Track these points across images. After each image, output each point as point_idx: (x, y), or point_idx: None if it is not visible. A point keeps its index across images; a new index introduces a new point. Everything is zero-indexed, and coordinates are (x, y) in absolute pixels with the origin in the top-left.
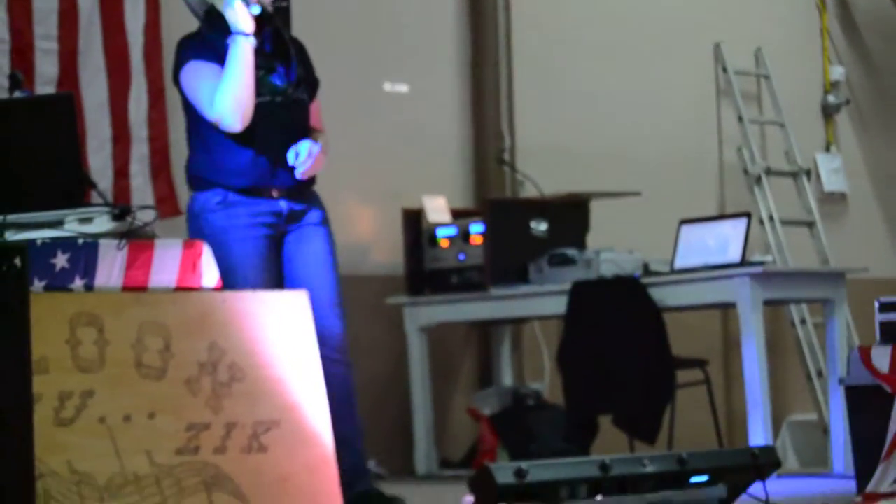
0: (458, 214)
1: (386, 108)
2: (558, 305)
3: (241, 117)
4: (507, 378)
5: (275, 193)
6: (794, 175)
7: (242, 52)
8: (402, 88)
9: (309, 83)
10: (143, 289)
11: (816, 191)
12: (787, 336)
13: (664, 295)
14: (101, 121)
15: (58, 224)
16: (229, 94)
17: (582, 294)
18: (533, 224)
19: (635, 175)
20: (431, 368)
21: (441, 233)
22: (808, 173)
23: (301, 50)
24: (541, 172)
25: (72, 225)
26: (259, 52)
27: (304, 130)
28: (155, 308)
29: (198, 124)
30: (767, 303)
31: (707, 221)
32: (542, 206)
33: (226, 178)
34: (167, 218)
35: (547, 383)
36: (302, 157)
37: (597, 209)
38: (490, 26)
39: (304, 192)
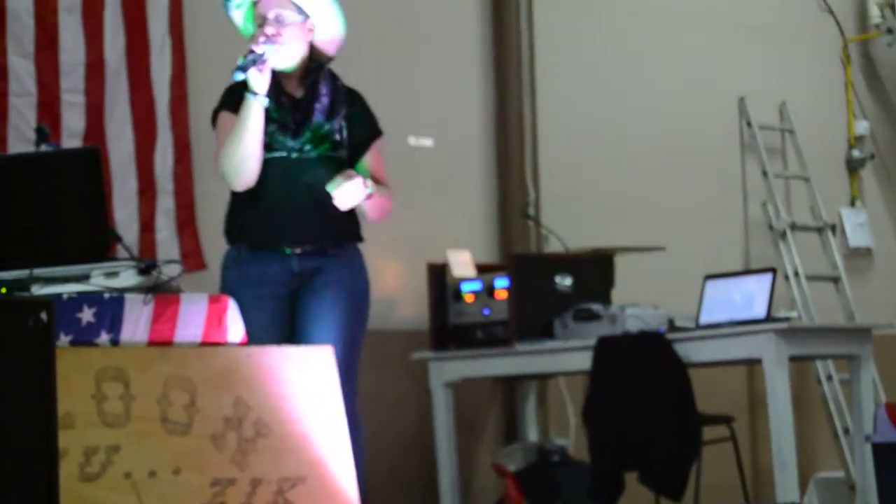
0: (483, 269)
1: (411, 162)
2: (583, 361)
3: (240, 178)
4: (532, 434)
5: (287, 251)
6: (819, 230)
7: (250, 111)
8: (427, 142)
9: (355, 141)
10: (168, 343)
11: (842, 246)
12: (813, 392)
13: (689, 351)
14: (127, 174)
15: (84, 278)
16: (230, 153)
17: (607, 350)
18: (558, 279)
19: (660, 230)
20: (456, 424)
21: (466, 287)
22: (833, 228)
23: (353, 104)
24: (565, 227)
25: (98, 279)
26: (280, 106)
27: (325, 185)
28: (180, 363)
29: None
30: (793, 359)
31: (732, 277)
32: (566, 261)
33: (241, 234)
34: (193, 272)
35: (572, 439)
36: (339, 181)
37: (621, 264)
38: (514, 80)
39: (323, 250)
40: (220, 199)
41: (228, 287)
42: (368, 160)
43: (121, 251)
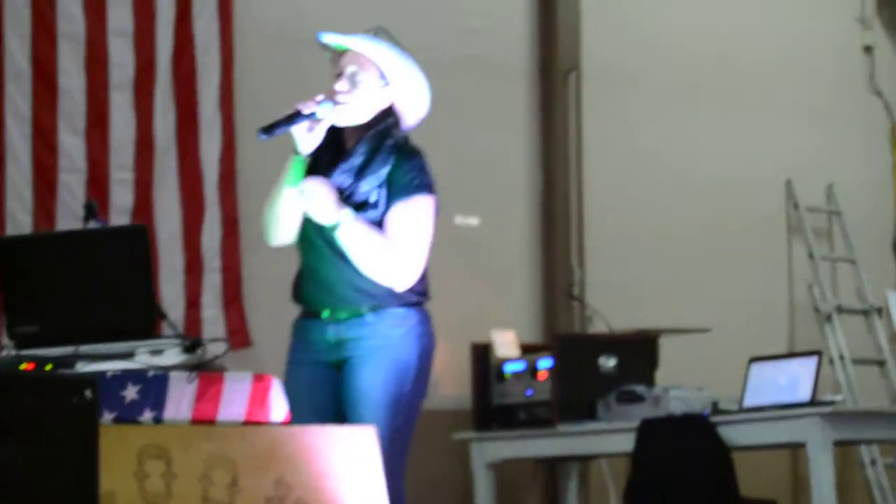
0: (526, 349)
1: (456, 241)
2: (626, 443)
3: (271, 235)
4: None
5: (324, 317)
6: (866, 313)
7: (289, 167)
8: (473, 222)
9: (385, 199)
10: (211, 422)
11: (887, 329)
12: (858, 477)
13: (733, 434)
14: (174, 251)
15: (129, 356)
16: (267, 208)
17: (650, 432)
18: (601, 360)
19: (705, 311)
20: None
21: (509, 368)
22: (879, 311)
23: (402, 163)
24: (610, 307)
25: (142, 357)
26: (318, 164)
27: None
28: (223, 442)
29: None
30: (838, 443)
31: (777, 360)
32: (610, 342)
33: (297, 300)
34: (239, 349)
35: None
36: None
37: (666, 345)
38: (560, 160)
39: (359, 314)
40: (266, 275)
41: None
42: (391, 213)
43: (166, 328)
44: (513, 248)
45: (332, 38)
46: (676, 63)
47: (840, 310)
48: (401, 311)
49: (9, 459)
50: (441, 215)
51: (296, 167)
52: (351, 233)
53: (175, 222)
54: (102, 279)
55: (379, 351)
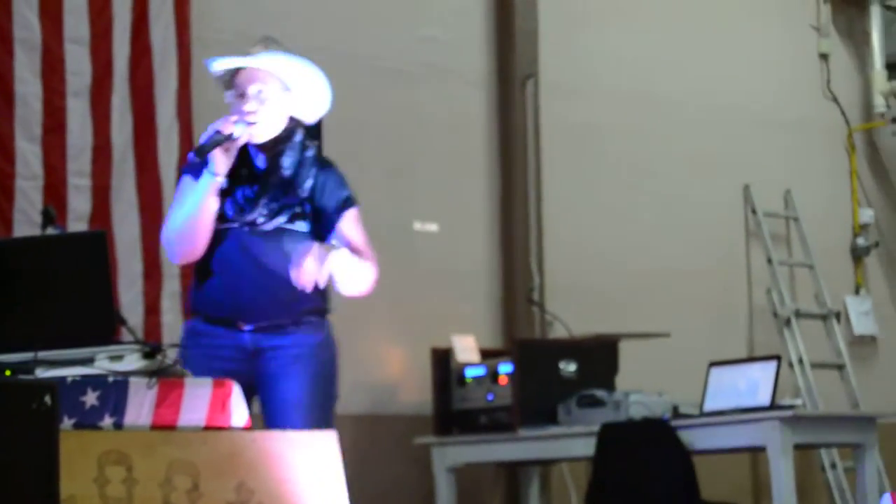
0: (486, 354)
1: (415, 247)
2: (587, 447)
3: (178, 253)
4: None
5: (241, 326)
6: (824, 317)
7: (200, 186)
8: (432, 227)
9: (322, 213)
10: (172, 427)
11: (846, 333)
12: (818, 480)
13: (694, 437)
14: (133, 257)
15: (88, 361)
16: (172, 228)
17: (611, 436)
18: (562, 365)
19: (664, 316)
20: None
21: (470, 373)
22: (837, 316)
23: (325, 175)
24: (570, 312)
25: (102, 362)
26: (238, 179)
27: (283, 261)
28: (184, 447)
29: None
30: (798, 447)
31: (737, 364)
32: (571, 347)
33: (196, 306)
34: None
35: None
36: (298, 256)
37: (626, 350)
38: (519, 166)
39: (283, 327)
40: None
41: (185, 361)
42: (344, 230)
43: (126, 334)
44: (472, 254)
45: (227, 63)
46: (633, 69)
47: (799, 314)
48: (315, 319)
49: None
50: (401, 221)
51: (206, 186)
52: (349, 269)
53: (133, 228)
54: (61, 285)
55: (302, 360)
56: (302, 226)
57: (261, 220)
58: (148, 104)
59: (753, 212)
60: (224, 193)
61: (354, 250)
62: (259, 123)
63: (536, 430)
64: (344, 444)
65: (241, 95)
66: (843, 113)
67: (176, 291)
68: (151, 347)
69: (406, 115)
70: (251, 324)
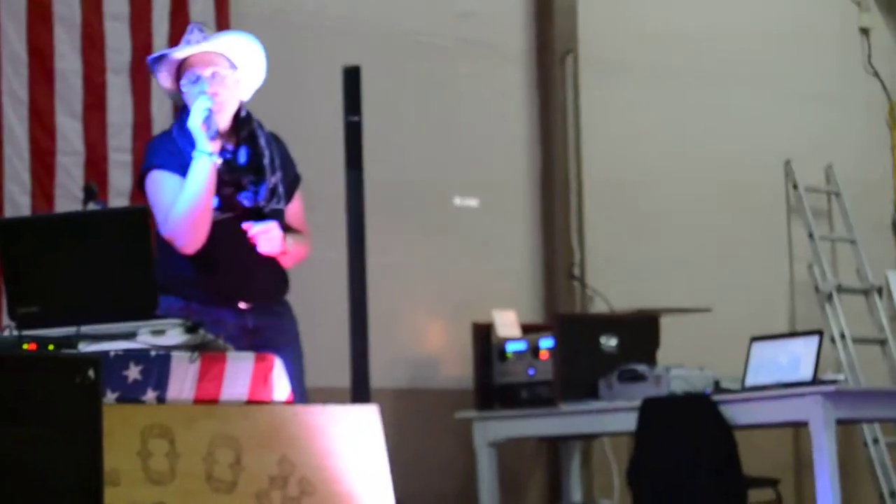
0: (527, 329)
1: (457, 223)
2: (628, 422)
3: (191, 241)
4: (576, 494)
5: (242, 306)
6: (866, 292)
7: (203, 171)
8: (472, 203)
9: (286, 188)
10: (214, 401)
11: (888, 308)
12: (860, 455)
13: (735, 413)
14: None
15: (131, 336)
16: (181, 217)
17: (652, 411)
18: (603, 340)
19: (706, 291)
20: (500, 483)
21: (510, 347)
22: (879, 291)
23: (280, 150)
24: (611, 287)
25: (145, 337)
26: (231, 166)
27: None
28: (226, 421)
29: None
30: (840, 422)
31: (778, 339)
32: (612, 322)
33: (188, 289)
34: None
35: (617, 500)
36: (255, 228)
37: (667, 325)
38: (559, 141)
39: (272, 306)
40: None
41: None
42: (291, 208)
43: None
44: (513, 229)
45: (178, 53)
46: (674, 44)
47: (840, 289)
48: (287, 300)
49: (13, 440)
50: (441, 197)
51: (205, 169)
52: (294, 248)
53: None
54: (104, 260)
55: (292, 337)
56: (283, 204)
57: (261, 204)
58: None
59: (795, 187)
60: (221, 184)
61: (299, 227)
62: (224, 103)
63: (577, 404)
64: (385, 417)
65: (195, 80)
66: (884, 87)
67: None
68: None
69: (445, 91)
70: (248, 303)
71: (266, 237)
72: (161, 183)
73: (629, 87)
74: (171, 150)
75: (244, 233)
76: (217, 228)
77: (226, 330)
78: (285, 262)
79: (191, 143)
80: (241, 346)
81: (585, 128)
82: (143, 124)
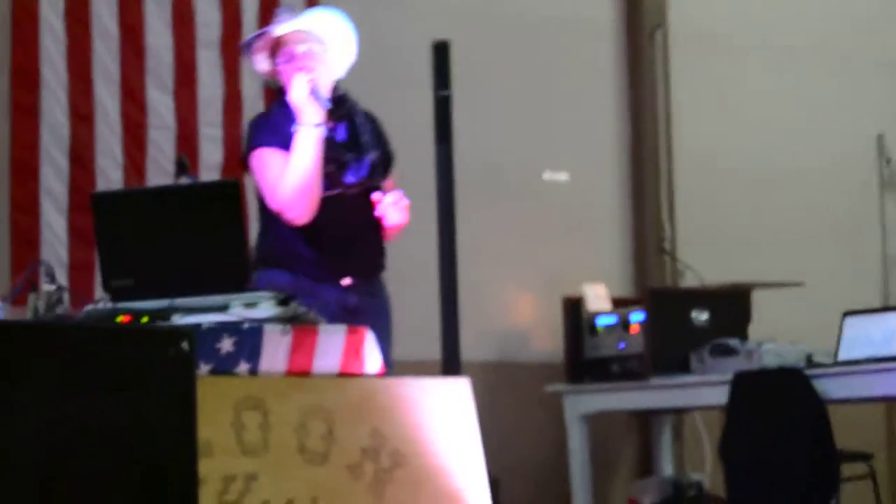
0: (618, 303)
1: (547, 198)
2: (720, 396)
3: (303, 212)
4: (667, 468)
5: (344, 283)
6: None
7: (309, 143)
8: (562, 177)
9: (384, 165)
10: (306, 374)
11: None
12: None
13: (828, 387)
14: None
15: (224, 308)
16: (292, 188)
17: (744, 385)
18: (694, 314)
19: (798, 265)
20: (591, 457)
21: (601, 321)
22: None
23: (376, 128)
24: (702, 261)
25: (237, 309)
26: (331, 143)
27: (375, 221)
28: (318, 393)
29: (267, 207)
30: None
31: (871, 313)
32: (703, 296)
33: (296, 264)
34: None
35: (708, 474)
36: (388, 198)
37: (759, 299)
38: (649, 116)
39: (371, 283)
40: None
41: None
42: (386, 184)
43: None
44: (603, 204)
45: (273, 32)
46: (764, 18)
47: None
48: (381, 277)
49: (108, 411)
50: (531, 171)
51: (312, 140)
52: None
53: None
54: (196, 233)
55: (386, 313)
56: (382, 180)
57: (364, 182)
58: None
59: (888, 161)
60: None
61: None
62: (318, 78)
63: (668, 378)
64: (475, 391)
65: (290, 60)
66: None
67: None
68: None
69: (534, 67)
70: (351, 281)
71: (396, 208)
72: (268, 159)
73: (719, 62)
74: (273, 129)
75: (348, 209)
76: (322, 205)
77: (328, 308)
78: (388, 237)
79: (291, 120)
80: (344, 321)
81: (675, 102)
82: (233, 99)
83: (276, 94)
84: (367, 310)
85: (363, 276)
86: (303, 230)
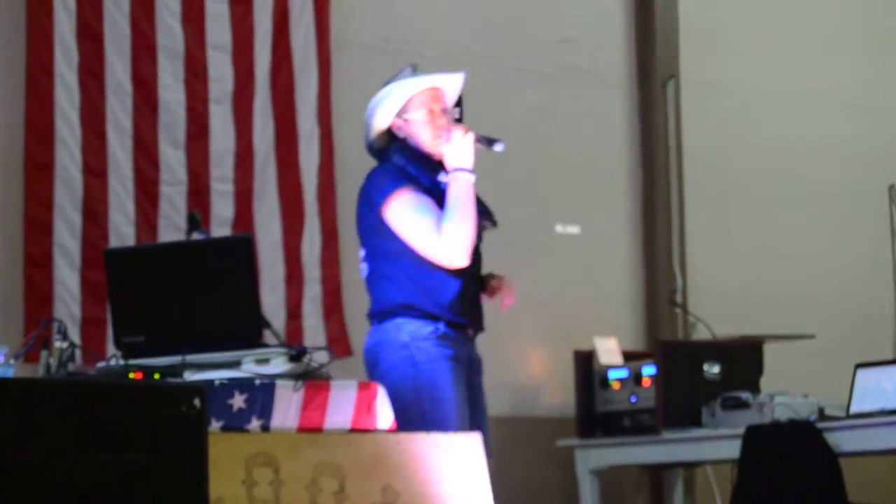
0: (629, 356)
1: (558, 250)
2: (732, 450)
3: (464, 255)
4: None
5: (470, 333)
6: None
7: (468, 187)
8: (574, 230)
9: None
10: (318, 430)
11: None
12: None
13: (840, 440)
14: (275, 261)
15: (235, 364)
16: (460, 227)
17: (756, 439)
18: (705, 367)
19: (808, 317)
20: None
21: (613, 375)
22: None
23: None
24: (713, 314)
25: (249, 365)
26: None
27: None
28: (330, 449)
29: (401, 255)
30: None
31: (884, 365)
32: (714, 349)
33: (439, 311)
34: (340, 358)
35: None
36: (506, 286)
37: (770, 352)
38: (661, 167)
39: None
40: (364, 285)
41: (428, 359)
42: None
43: (270, 337)
44: (615, 256)
45: (447, 81)
46: (775, 67)
47: None
48: None
49: (120, 468)
50: (542, 223)
51: (469, 187)
52: None
53: (275, 233)
54: (208, 289)
55: (481, 364)
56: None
57: (483, 233)
58: (289, 109)
59: None
60: None
61: None
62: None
63: (680, 432)
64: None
65: (444, 110)
66: None
67: (317, 295)
68: (297, 351)
69: (546, 117)
70: (475, 331)
71: (512, 291)
72: (414, 201)
73: (730, 112)
74: (406, 177)
75: (474, 262)
76: None
77: (462, 354)
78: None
79: (421, 169)
80: (469, 376)
81: (687, 154)
82: (245, 153)
83: (396, 145)
84: (478, 365)
85: (479, 330)
86: (442, 274)
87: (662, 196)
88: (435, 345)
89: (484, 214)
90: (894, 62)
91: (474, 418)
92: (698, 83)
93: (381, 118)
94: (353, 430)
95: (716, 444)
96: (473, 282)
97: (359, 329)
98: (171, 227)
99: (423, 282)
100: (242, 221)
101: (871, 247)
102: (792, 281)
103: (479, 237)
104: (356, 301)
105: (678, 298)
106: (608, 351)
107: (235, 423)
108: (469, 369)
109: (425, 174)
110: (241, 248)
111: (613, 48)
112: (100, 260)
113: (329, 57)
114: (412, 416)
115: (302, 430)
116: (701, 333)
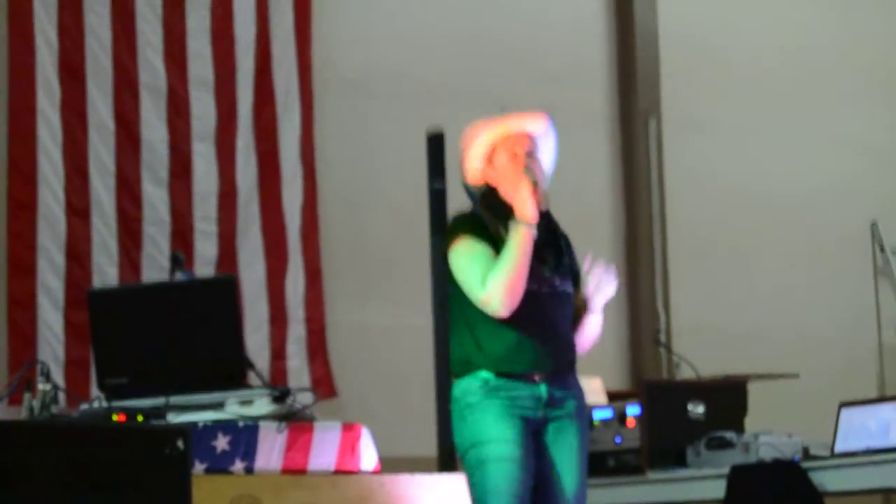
0: (613, 396)
1: None
2: (717, 489)
3: (510, 304)
4: None
5: (536, 378)
6: None
7: (524, 240)
8: None
9: (574, 275)
10: (302, 471)
11: None
12: None
13: (825, 479)
14: (259, 301)
15: (219, 406)
16: (503, 279)
17: (741, 478)
18: (690, 406)
19: (792, 356)
20: None
21: (597, 415)
22: None
23: (567, 242)
24: (697, 353)
25: (232, 407)
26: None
27: (567, 322)
28: (314, 491)
29: (462, 304)
30: None
31: (868, 404)
32: (698, 388)
33: (488, 363)
34: (324, 400)
35: None
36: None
37: (754, 391)
38: (643, 205)
39: (565, 378)
40: (349, 326)
41: (472, 414)
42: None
43: (253, 378)
44: None
45: (529, 124)
46: (756, 105)
47: None
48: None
49: None
50: None
51: (524, 237)
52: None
53: (259, 273)
54: (191, 330)
55: (580, 413)
56: (573, 288)
57: (557, 282)
58: (272, 148)
59: (881, 249)
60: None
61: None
62: (541, 183)
63: (665, 472)
64: None
65: (529, 154)
66: None
67: (301, 336)
68: (281, 392)
69: None
70: (543, 375)
71: (608, 276)
72: (472, 249)
73: (713, 149)
74: (479, 223)
75: (543, 305)
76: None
77: (521, 400)
78: (589, 341)
79: (498, 219)
80: (534, 416)
81: (670, 190)
82: (229, 192)
83: (484, 196)
84: (562, 402)
85: (556, 371)
86: (498, 325)
87: (645, 233)
88: (481, 398)
89: (569, 276)
90: (878, 100)
91: (556, 467)
92: (679, 120)
93: (470, 171)
94: (337, 472)
95: (701, 484)
96: (545, 327)
97: (343, 370)
98: (155, 267)
99: (478, 333)
100: (226, 261)
101: (854, 285)
102: (775, 320)
103: (559, 285)
104: (340, 342)
105: (662, 338)
106: (592, 391)
107: (219, 465)
108: (544, 413)
109: (504, 223)
110: (225, 288)
111: (596, 86)
112: (83, 300)
113: (312, 94)
114: (465, 466)
115: (286, 471)
116: (685, 372)
